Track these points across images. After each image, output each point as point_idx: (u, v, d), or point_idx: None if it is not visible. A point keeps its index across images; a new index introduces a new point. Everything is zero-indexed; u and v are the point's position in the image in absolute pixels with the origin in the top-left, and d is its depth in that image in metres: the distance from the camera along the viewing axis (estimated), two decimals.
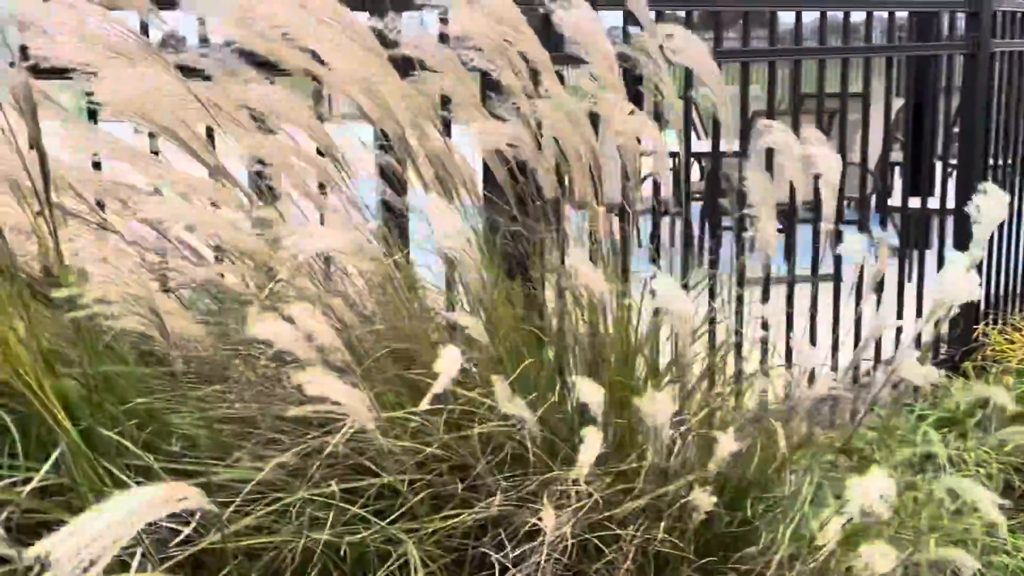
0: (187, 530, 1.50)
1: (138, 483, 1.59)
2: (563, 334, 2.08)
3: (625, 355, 2.05)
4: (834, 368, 3.69)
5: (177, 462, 1.65)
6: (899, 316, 3.93)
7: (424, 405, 1.58)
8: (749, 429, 2.01)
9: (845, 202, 4.73)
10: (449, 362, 1.58)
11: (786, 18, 3.53)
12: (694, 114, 8.25)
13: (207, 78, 1.94)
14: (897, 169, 6.14)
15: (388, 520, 1.69)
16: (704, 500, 1.71)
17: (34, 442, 1.66)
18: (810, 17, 3.52)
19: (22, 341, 1.56)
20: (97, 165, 2.01)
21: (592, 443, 1.63)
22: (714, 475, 1.81)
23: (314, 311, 1.57)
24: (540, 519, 1.65)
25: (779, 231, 3.74)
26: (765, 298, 3.32)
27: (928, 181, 4.39)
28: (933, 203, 4.38)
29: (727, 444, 1.75)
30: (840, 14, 3.59)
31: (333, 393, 1.50)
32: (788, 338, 3.36)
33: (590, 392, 1.68)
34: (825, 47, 3.58)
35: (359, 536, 1.66)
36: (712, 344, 2.70)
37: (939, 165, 4.75)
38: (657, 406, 1.69)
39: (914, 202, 4.64)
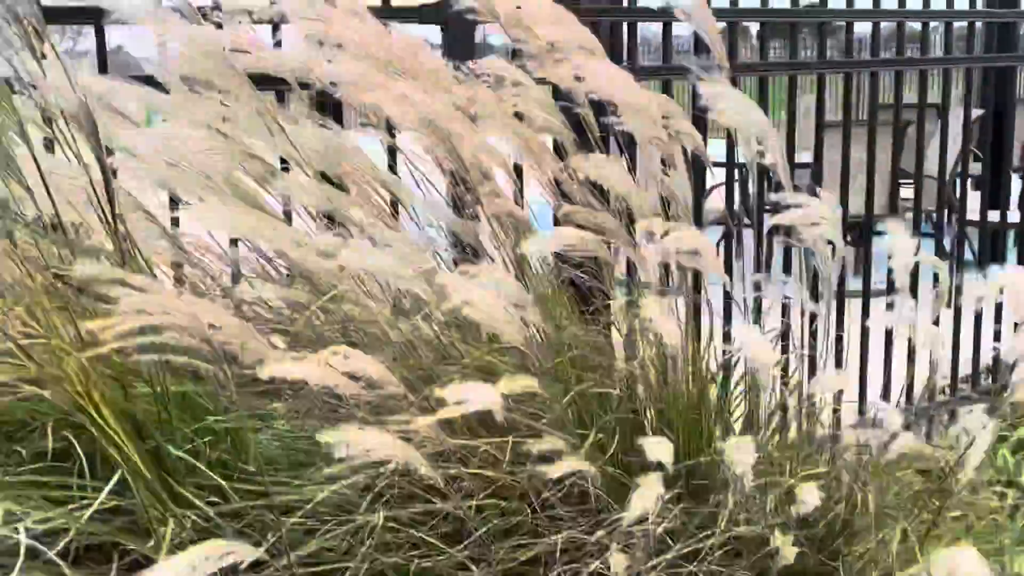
0: (259, 551, 1.48)
1: (209, 503, 1.58)
2: (632, 368, 2.04)
3: (700, 390, 2.01)
4: (910, 385, 3.61)
5: (250, 480, 1.63)
6: (976, 334, 3.83)
7: (432, 420, 1.50)
8: (832, 474, 1.95)
9: (923, 215, 4.63)
10: (475, 396, 1.52)
11: (861, 27, 3.46)
12: None
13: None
14: (969, 181, 6.00)
15: (460, 547, 1.66)
16: (788, 550, 1.65)
17: (99, 461, 1.65)
18: (885, 25, 3.45)
19: (72, 359, 1.53)
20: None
21: (649, 491, 1.57)
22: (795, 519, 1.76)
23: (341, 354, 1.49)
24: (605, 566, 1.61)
25: (850, 244, 3.66)
26: (840, 317, 3.25)
27: (1007, 193, 4.28)
28: (1012, 216, 4.27)
29: (810, 497, 1.70)
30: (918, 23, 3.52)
31: (377, 447, 1.44)
32: (863, 357, 3.30)
33: (659, 451, 1.62)
34: (902, 58, 3.50)
35: (431, 562, 1.64)
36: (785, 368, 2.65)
37: (1015, 177, 4.64)
38: (738, 458, 1.65)
39: (993, 215, 4.53)
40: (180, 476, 1.61)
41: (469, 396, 1.52)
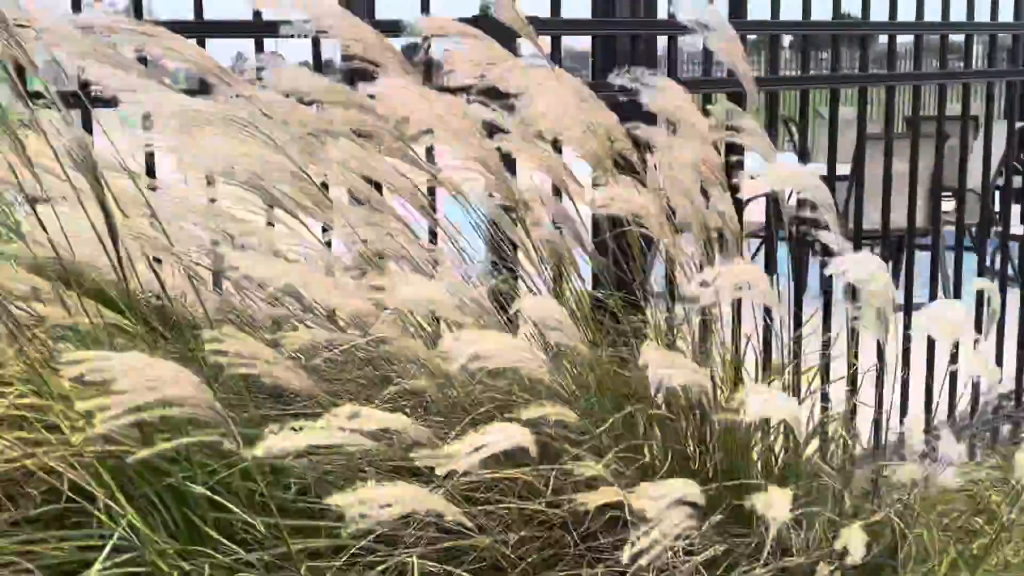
0: None
1: (246, 532, 1.56)
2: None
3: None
4: (952, 400, 3.56)
5: (282, 511, 1.60)
6: (1021, 348, 3.77)
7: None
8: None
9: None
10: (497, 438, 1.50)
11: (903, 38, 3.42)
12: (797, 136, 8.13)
13: None
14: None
15: None
16: None
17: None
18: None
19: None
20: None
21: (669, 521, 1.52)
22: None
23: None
24: None
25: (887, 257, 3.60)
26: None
27: None
28: None
29: (855, 540, 1.66)
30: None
31: (399, 500, 1.41)
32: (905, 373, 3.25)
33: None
34: (946, 71, 3.46)
35: None
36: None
37: None
38: (773, 507, 1.62)
39: None
40: (203, 511, 1.57)
41: (495, 439, 1.49)
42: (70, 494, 1.50)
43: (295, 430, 1.37)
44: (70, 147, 1.57)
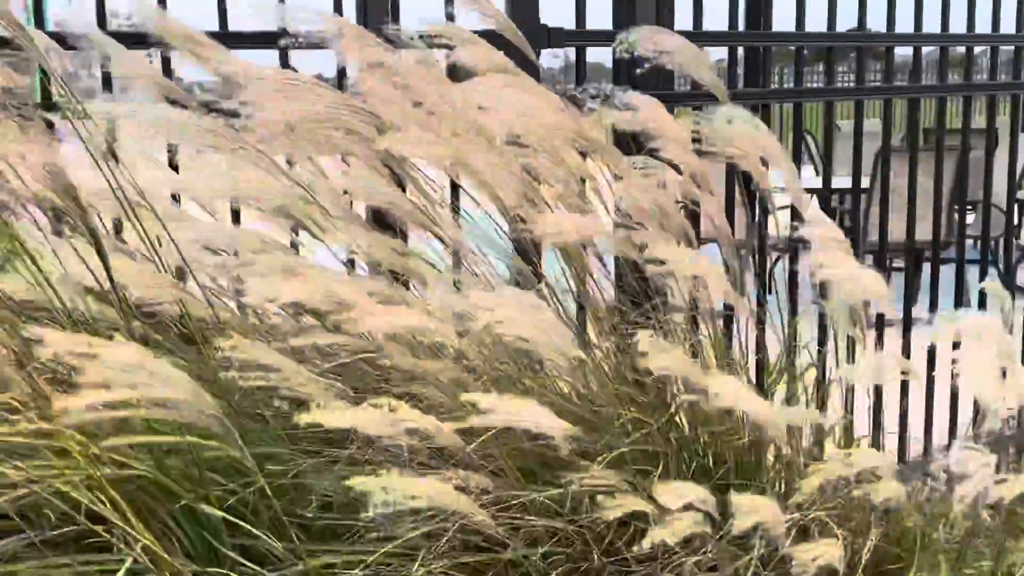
0: None
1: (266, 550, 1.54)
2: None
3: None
4: (976, 414, 3.52)
5: (306, 528, 1.58)
6: None
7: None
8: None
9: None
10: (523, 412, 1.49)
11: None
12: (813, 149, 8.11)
13: None
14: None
15: None
16: None
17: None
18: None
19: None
20: None
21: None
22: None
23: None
24: None
25: (898, 270, 3.57)
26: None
27: None
28: None
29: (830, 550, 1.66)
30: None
31: (427, 495, 1.40)
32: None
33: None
34: (971, 83, 3.43)
35: None
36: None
37: None
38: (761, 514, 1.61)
39: None
40: (217, 529, 1.55)
41: (521, 411, 1.48)
42: (78, 517, 1.47)
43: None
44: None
